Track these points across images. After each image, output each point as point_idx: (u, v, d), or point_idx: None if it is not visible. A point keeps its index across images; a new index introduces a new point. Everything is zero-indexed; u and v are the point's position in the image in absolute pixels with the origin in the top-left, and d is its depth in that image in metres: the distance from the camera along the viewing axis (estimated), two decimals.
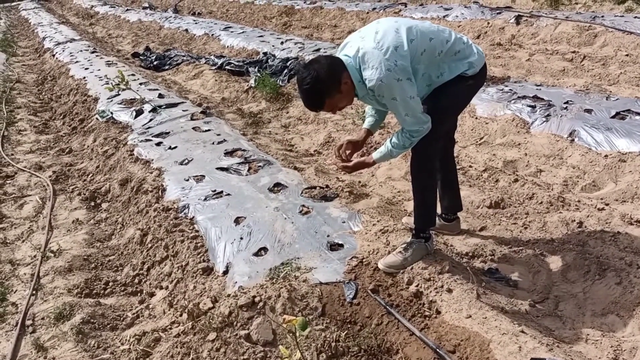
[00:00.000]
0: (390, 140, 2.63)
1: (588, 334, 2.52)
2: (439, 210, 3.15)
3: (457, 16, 8.76)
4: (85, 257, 3.74)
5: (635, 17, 7.24)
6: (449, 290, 2.62)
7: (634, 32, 6.64)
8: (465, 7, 9.06)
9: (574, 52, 6.49)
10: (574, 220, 3.27)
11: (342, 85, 2.49)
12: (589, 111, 4.43)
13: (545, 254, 3.08)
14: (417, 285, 2.67)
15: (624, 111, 4.36)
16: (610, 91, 5.13)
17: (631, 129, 4.06)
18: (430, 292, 2.63)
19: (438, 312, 2.55)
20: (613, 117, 4.31)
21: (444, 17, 8.95)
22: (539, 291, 2.83)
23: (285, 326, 1.97)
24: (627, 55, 6.18)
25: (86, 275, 3.55)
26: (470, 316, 2.45)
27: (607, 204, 3.50)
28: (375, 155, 2.71)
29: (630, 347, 2.40)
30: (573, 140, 4.19)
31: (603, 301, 2.68)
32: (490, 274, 2.95)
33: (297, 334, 2.02)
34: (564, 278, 2.88)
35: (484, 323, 2.40)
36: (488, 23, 8.06)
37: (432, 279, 2.69)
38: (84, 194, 4.71)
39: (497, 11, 8.44)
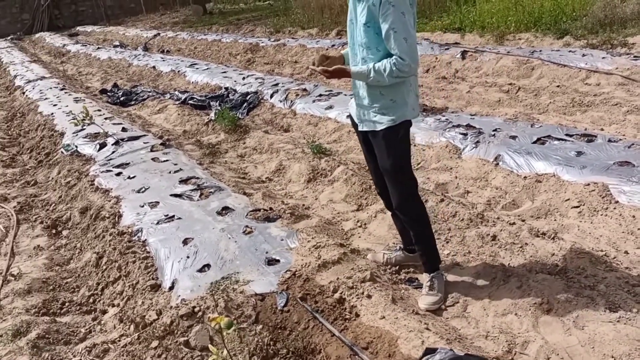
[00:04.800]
0: (374, 63, 2.68)
1: (488, 332, 2.84)
2: (402, 244, 3.51)
3: None
4: (44, 280, 3.96)
5: (570, 51, 7.86)
6: (369, 296, 2.93)
7: (567, 64, 7.24)
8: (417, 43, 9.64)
9: (510, 84, 7.03)
10: (489, 234, 3.63)
11: None
12: (513, 137, 4.87)
13: (461, 264, 3.43)
14: (341, 293, 2.98)
15: (544, 137, 4.81)
16: (538, 119, 5.61)
17: (548, 152, 4.49)
18: (352, 298, 2.94)
19: (357, 315, 2.85)
20: (534, 142, 4.75)
21: None
22: (451, 297, 3.16)
23: (213, 325, 2.25)
24: (558, 86, 6.72)
25: (44, 296, 3.76)
26: (384, 317, 2.76)
27: (523, 220, 3.89)
28: (354, 68, 2.76)
29: (522, 341, 2.73)
30: (498, 164, 4.61)
31: (505, 303, 3.01)
32: (409, 282, 3.29)
33: (224, 333, 2.30)
34: (474, 284, 3.22)
35: (394, 322, 2.71)
36: (436, 58, 8.63)
37: (354, 287, 3.00)
38: (46, 223, 4.93)
39: (446, 47, 9.03)
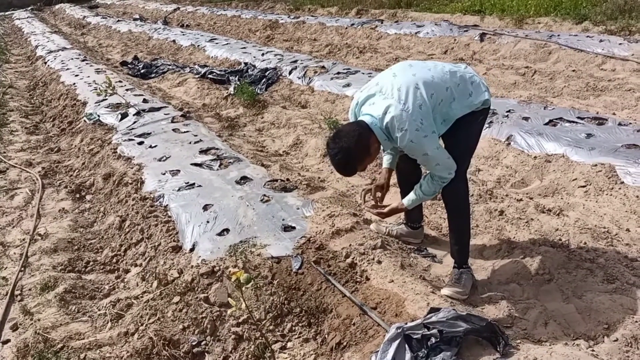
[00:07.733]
0: (420, 187, 2.90)
1: (491, 297, 3.00)
2: (404, 219, 3.61)
3: (427, 33, 9.35)
4: (70, 240, 4.18)
5: (588, 36, 7.86)
6: (379, 262, 3.09)
7: (584, 49, 7.26)
8: (435, 24, 9.65)
9: (526, 67, 7.07)
10: (497, 210, 3.78)
11: (371, 148, 2.73)
12: (526, 119, 4.97)
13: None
14: (352, 258, 3.14)
15: (556, 119, 4.89)
16: (552, 102, 5.68)
17: (559, 134, 4.59)
18: (363, 263, 3.10)
19: (367, 279, 3.02)
20: (546, 124, 4.84)
21: (416, 33, 9.54)
22: None
23: (233, 280, 2.42)
24: (574, 70, 6.76)
25: (70, 255, 3.98)
26: (393, 281, 2.92)
27: (531, 198, 4.01)
28: (405, 201, 3.02)
29: (523, 307, 2.89)
30: (509, 143, 4.71)
31: (508, 272, 3.17)
32: (419, 252, 3.45)
33: (243, 287, 2.48)
34: (480, 255, 3.38)
35: (402, 286, 2.87)
36: (455, 40, 8.66)
37: (366, 252, 3.16)
38: (70, 187, 5.15)
39: (465, 29, 9.04)
